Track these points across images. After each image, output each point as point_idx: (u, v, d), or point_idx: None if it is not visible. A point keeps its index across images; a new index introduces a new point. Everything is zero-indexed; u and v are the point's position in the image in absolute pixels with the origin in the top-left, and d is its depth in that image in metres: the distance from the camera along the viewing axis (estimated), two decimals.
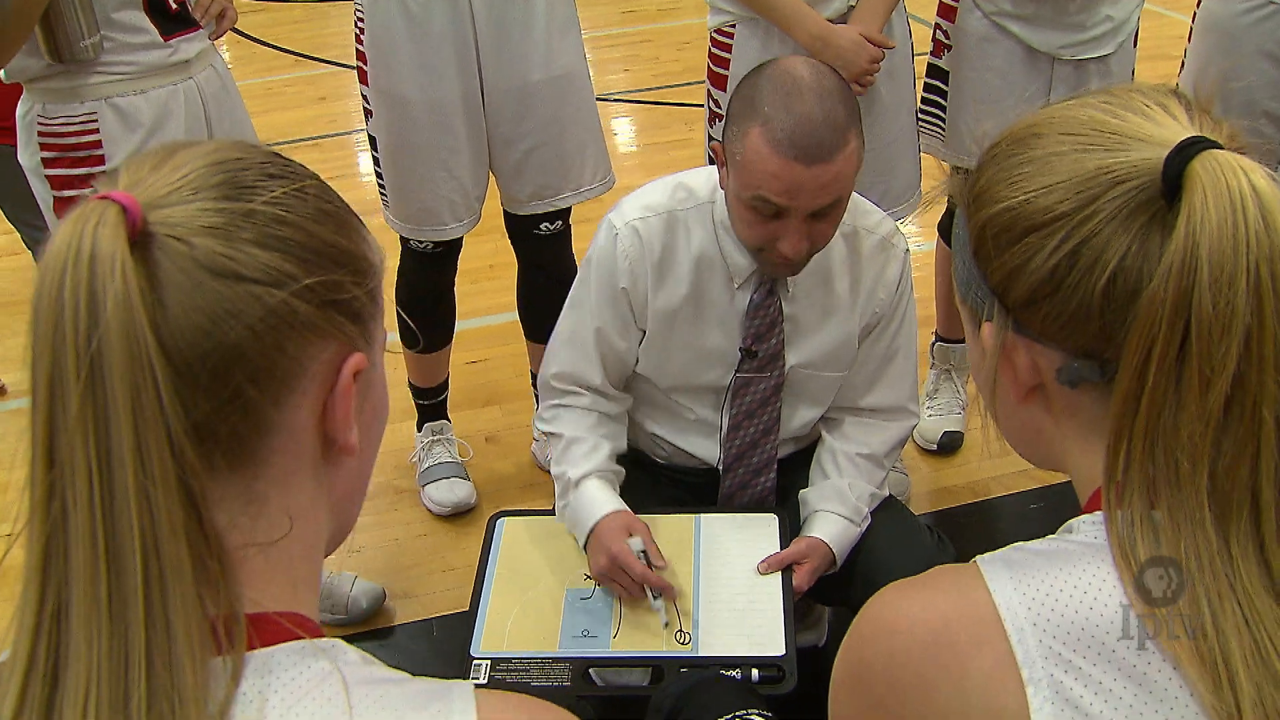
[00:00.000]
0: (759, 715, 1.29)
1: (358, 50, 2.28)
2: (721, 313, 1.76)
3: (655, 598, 1.64)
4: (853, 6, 2.18)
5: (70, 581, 0.61)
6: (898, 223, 2.44)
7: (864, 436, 1.87)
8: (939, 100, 2.47)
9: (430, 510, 2.62)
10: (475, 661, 1.62)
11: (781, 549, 1.77)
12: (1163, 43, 3.87)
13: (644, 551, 1.67)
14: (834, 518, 1.79)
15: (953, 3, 2.40)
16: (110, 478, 0.60)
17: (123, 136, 1.94)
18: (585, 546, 1.72)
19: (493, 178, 2.40)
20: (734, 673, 1.58)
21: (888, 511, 1.87)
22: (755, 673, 1.58)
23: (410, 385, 2.67)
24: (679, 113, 4.94)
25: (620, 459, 1.86)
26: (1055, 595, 0.72)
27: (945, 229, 2.68)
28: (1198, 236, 0.67)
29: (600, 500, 1.73)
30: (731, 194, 1.61)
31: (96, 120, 1.94)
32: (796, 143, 1.49)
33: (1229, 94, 2.14)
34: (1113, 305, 0.71)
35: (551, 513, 1.86)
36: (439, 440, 2.67)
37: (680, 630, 1.64)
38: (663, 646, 1.62)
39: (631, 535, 1.68)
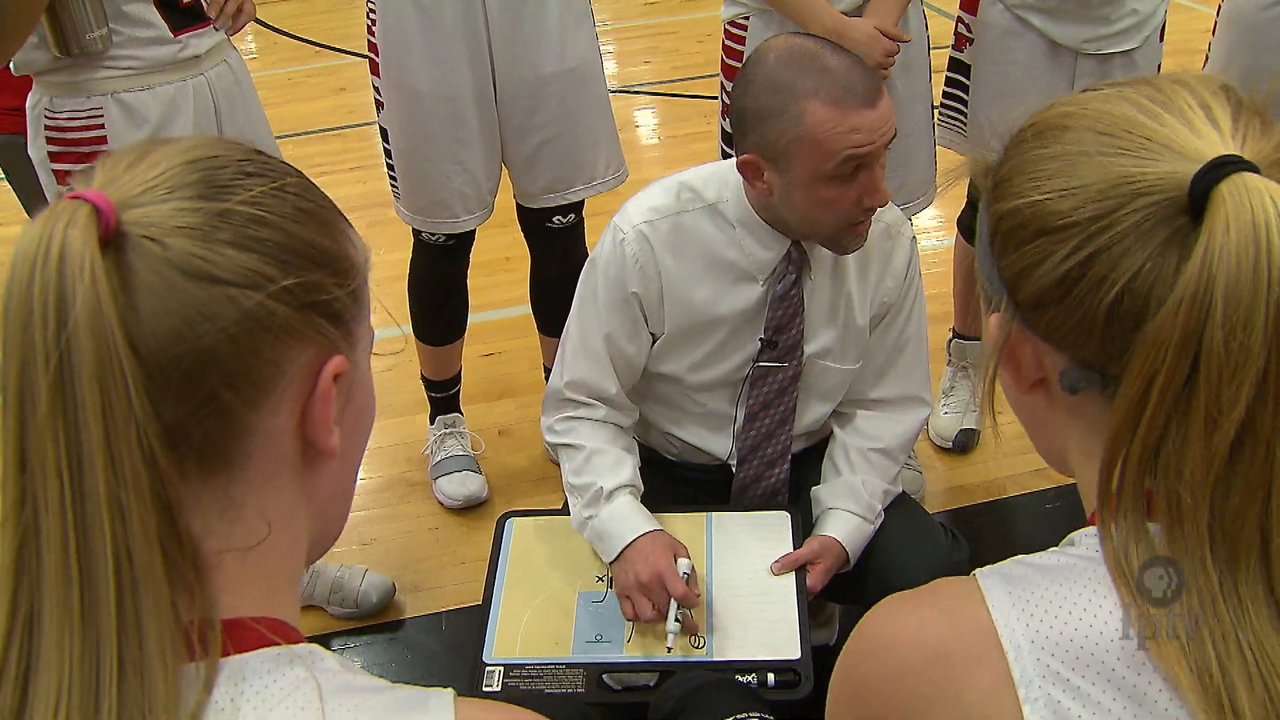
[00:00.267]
0: (760, 718, 1.28)
1: (369, 42, 2.27)
2: (739, 308, 1.74)
3: (676, 620, 1.60)
4: None
5: (42, 587, 0.60)
6: (913, 217, 2.43)
7: (876, 430, 1.85)
8: (960, 94, 2.43)
9: (442, 503, 2.62)
10: (488, 668, 1.60)
11: (794, 547, 1.75)
12: (1190, 36, 3.81)
13: (688, 575, 1.64)
14: (847, 515, 1.77)
15: None
16: (81, 482, 0.59)
17: (128, 132, 1.93)
18: (614, 560, 1.68)
19: (506, 170, 2.39)
20: (749, 677, 1.56)
21: (901, 509, 1.85)
22: (771, 677, 1.56)
23: (423, 378, 2.67)
24: (700, 105, 4.91)
25: None
26: (1054, 613, 0.70)
27: (965, 224, 2.65)
28: (1214, 270, 0.63)
29: (640, 517, 1.70)
30: (801, 185, 1.57)
31: (102, 115, 1.92)
32: (855, 91, 1.51)
33: (1253, 89, 2.10)
34: (1116, 324, 0.68)
35: (560, 512, 1.84)
36: (451, 433, 2.67)
37: (693, 634, 1.62)
38: (667, 650, 1.60)
39: (679, 557, 1.66)
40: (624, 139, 4.67)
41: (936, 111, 2.48)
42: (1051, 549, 0.76)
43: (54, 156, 1.94)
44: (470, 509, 2.59)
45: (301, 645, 0.68)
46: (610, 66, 5.62)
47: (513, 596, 1.71)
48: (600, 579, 1.73)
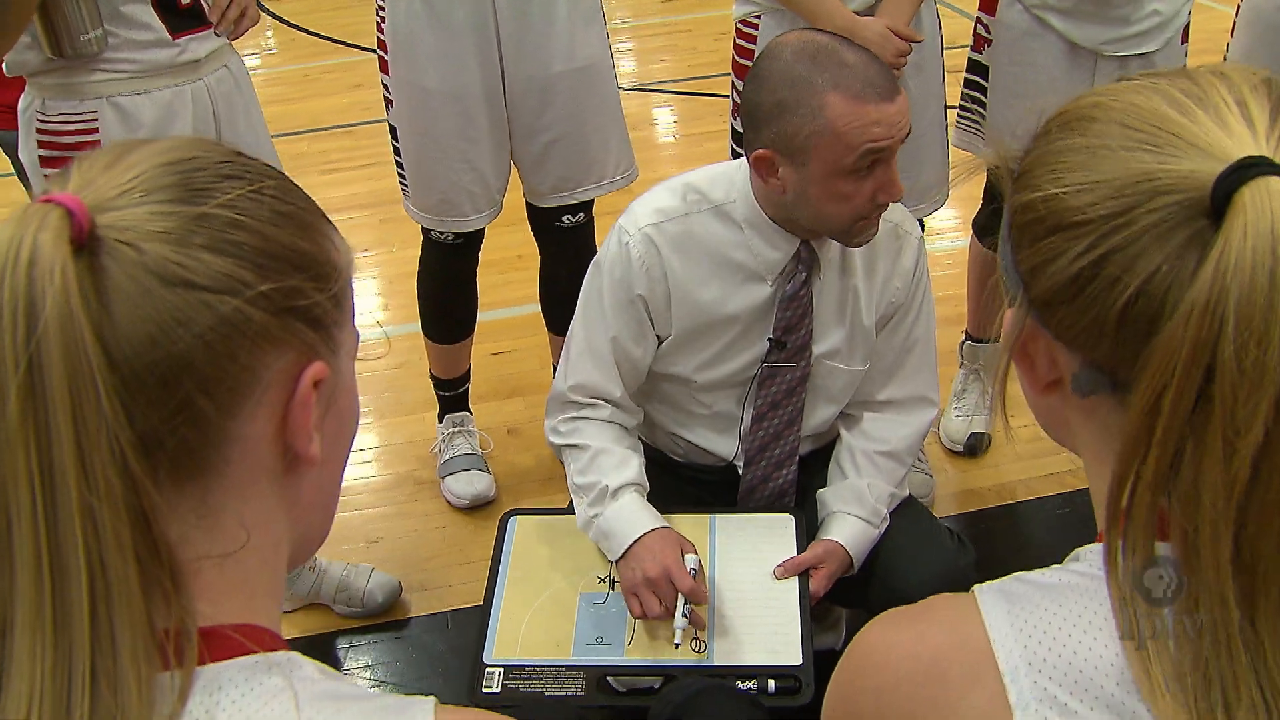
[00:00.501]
0: None
1: (379, 39, 2.27)
2: (748, 308, 1.73)
3: (684, 615, 1.59)
4: None
5: (14, 597, 0.60)
6: (925, 218, 2.41)
7: (883, 432, 1.84)
8: (979, 96, 2.41)
9: (449, 502, 2.62)
10: (488, 669, 1.59)
11: (799, 550, 1.74)
12: (1214, 36, 3.77)
13: (695, 571, 1.63)
14: (852, 519, 1.76)
15: None
16: (53, 491, 0.59)
17: (123, 137, 1.88)
18: (620, 558, 1.68)
19: (515, 169, 2.38)
20: (750, 683, 1.55)
21: (907, 513, 1.84)
22: (772, 683, 1.55)
23: (431, 376, 2.66)
24: (715, 104, 4.90)
25: None
26: (1053, 634, 0.68)
27: (980, 225, 2.62)
28: (1227, 280, 0.59)
29: (646, 514, 1.70)
30: (818, 180, 1.56)
31: (96, 119, 1.87)
32: (874, 84, 1.52)
33: None
34: (1128, 327, 0.65)
35: (563, 511, 1.84)
36: (460, 432, 2.66)
37: (695, 638, 1.61)
38: (677, 655, 1.59)
39: (686, 553, 1.65)
40: (640, 137, 4.70)
41: (954, 113, 2.46)
42: (1054, 565, 0.74)
43: (45, 161, 1.89)
44: (478, 508, 2.59)
45: (280, 653, 0.67)
46: (629, 64, 5.61)
47: (514, 596, 1.70)
48: (602, 579, 1.72)
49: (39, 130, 1.88)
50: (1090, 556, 0.72)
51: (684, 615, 1.59)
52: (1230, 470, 0.61)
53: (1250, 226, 0.59)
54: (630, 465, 1.75)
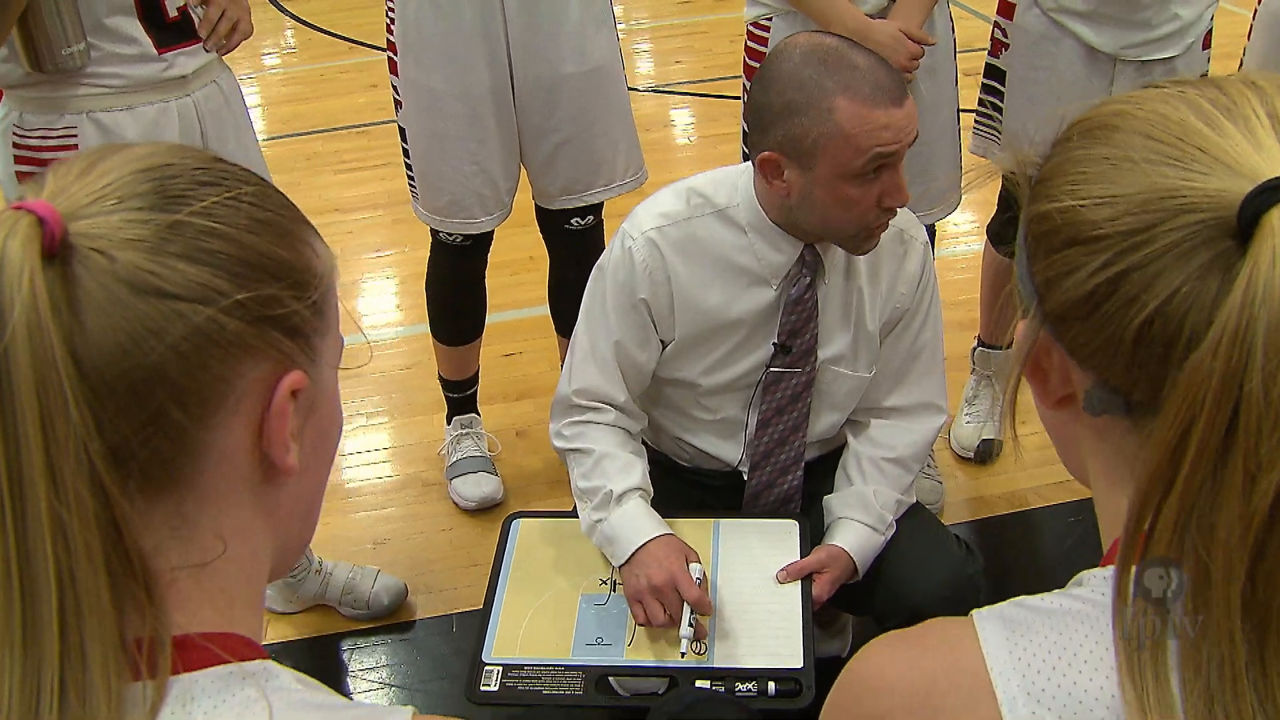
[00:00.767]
0: None
1: (388, 41, 2.26)
2: (752, 313, 1.72)
3: (690, 625, 1.58)
4: (893, 1, 2.12)
5: None
6: (937, 222, 2.40)
7: (890, 439, 1.83)
8: (996, 102, 2.38)
9: (457, 504, 2.61)
10: (487, 667, 1.59)
11: (802, 556, 1.73)
12: (1235, 40, 3.74)
13: (700, 580, 1.62)
14: (857, 525, 1.75)
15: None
16: (22, 502, 0.58)
17: None
18: (624, 564, 1.67)
19: (525, 171, 2.38)
20: (750, 685, 1.54)
21: (914, 520, 1.83)
22: (772, 686, 1.54)
23: (440, 378, 2.66)
24: (731, 105, 4.88)
25: None
26: (1052, 663, 0.66)
27: (994, 231, 2.60)
28: (1255, 308, 0.56)
29: (651, 521, 1.69)
30: (824, 183, 1.55)
31: (76, 135, 1.79)
32: (885, 88, 1.51)
33: None
34: (1144, 348, 0.62)
35: (567, 514, 1.83)
36: (468, 434, 2.66)
37: (697, 640, 1.61)
38: (678, 656, 1.58)
39: (690, 562, 1.64)
40: (656, 138, 4.69)
41: (972, 118, 2.44)
42: (1056, 590, 0.72)
43: (21, 176, 1.81)
44: (485, 510, 2.58)
45: (255, 663, 0.66)
46: (646, 65, 5.60)
47: (515, 597, 1.70)
48: (604, 582, 1.72)
49: (15, 145, 1.81)
50: (1094, 582, 0.70)
51: (689, 625, 1.58)
52: (1249, 505, 0.58)
53: (1279, 251, 0.56)
54: (634, 470, 1.74)
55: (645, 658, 1.60)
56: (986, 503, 2.56)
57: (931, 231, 2.40)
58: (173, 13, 1.82)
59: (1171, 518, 0.61)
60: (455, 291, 2.51)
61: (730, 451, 1.85)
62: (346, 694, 2.19)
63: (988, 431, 2.65)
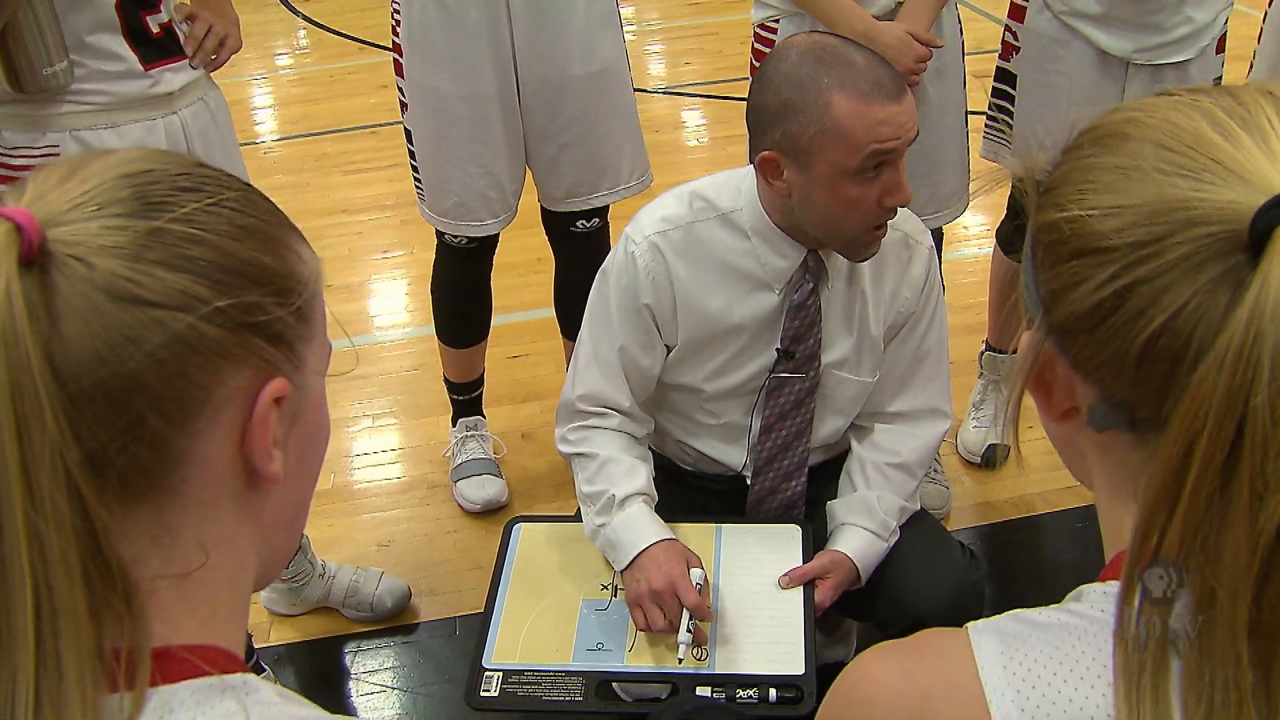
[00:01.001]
0: None
1: (394, 42, 2.26)
2: (755, 317, 1.71)
3: (689, 630, 1.58)
4: (900, 3, 2.11)
5: None
6: (945, 225, 2.38)
7: (894, 444, 1.81)
8: (1006, 106, 2.36)
9: (461, 507, 2.60)
10: (487, 673, 1.58)
11: (805, 561, 1.72)
12: (1249, 43, 3.70)
13: (700, 586, 1.62)
14: (860, 532, 1.74)
15: (1022, 2, 2.29)
16: None
17: None
18: (625, 568, 1.66)
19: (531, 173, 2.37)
20: (751, 692, 1.53)
21: (918, 526, 1.81)
22: (773, 692, 1.53)
23: (445, 380, 2.65)
24: (742, 107, 4.88)
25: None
26: (1048, 679, 0.65)
27: (1003, 235, 2.58)
28: (1263, 323, 0.55)
29: (654, 525, 1.68)
30: (823, 182, 1.54)
31: (58, 154, 1.72)
32: (881, 85, 1.50)
33: None
34: (1150, 364, 0.61)
35: (568, 518, 1.83)
36: (473, 436, 2.65)
37: (697, 645, 1.60)
38: (678, 662, 1.58)
39: (692, 567, 1.63)
40: (667, 140, 4.68)
41: (977, 120, 2.42)
42: (1054, 605, 0.71)
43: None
44: (490, 513, 2.57)
45: (236, 676, 0.65)
46: (657, 67, 5.59)
47: (516, 602, 1.69)
48: (605, 587, 1.71)
49: None
50: (1093, 597, 0.69)
51: (688, 630, 1.57)
52: (1255, 526, 0.57)
53: None
54: (638, 474, 1.73)
55: (646, 663, 1.59)
56: (993, 508, 2.54)
57: (940, 234, 2.39)
58: (156, 29, 1.77)
59: (1176, 537, 0.59)
60: (460, 294, 2.50)
61: (734, 456, 1.84)
62: (348, 697, 2.19)
63: (994, 436, 2.64)
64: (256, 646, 2.24)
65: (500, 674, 1.58)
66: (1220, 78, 2.29)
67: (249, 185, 0.68)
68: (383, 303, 3.60)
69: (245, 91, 5.46)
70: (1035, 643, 0.67)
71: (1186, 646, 0.60)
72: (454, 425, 2.69)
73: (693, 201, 1.69)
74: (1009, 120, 2.36)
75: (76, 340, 0.58)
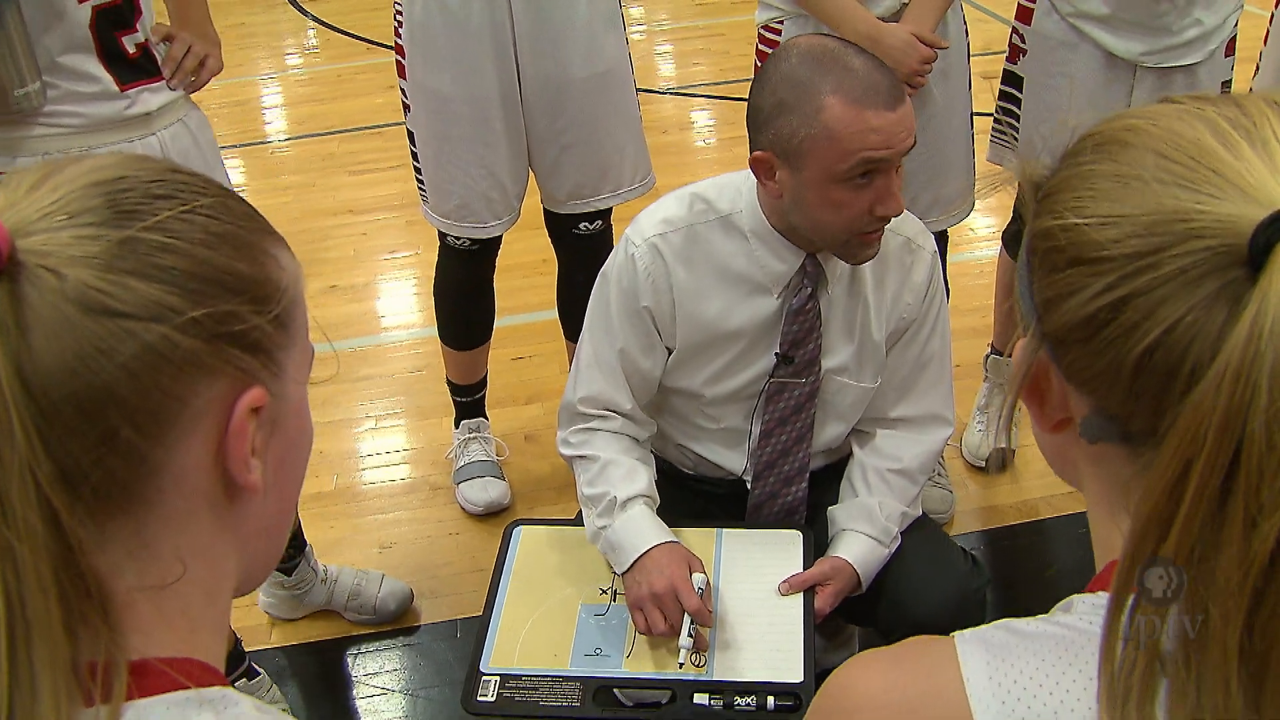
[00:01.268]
0: None
1: (396, 43, 2.25)
2: (754, 321, 1.70)
3: (690, 635, 1.56)
4: (905, 4, 2.10)
5: None
6: (949, 228, 2.37)
7: (896, 450, 1.80)
8: (1013, 109, 2.35)
9: (464, 509, 2.60)
10: (484, 678, 1.58)
11: (806, 567, 1.71)
12: (1258, 45, 3.67)
13: (702, 590, 1.61)
14: (861, 538, 1.73)
15: (1029, 4, 2.28)
16: None
17: None
18: (627, 570, 1.65)
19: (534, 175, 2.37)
20: (749, 699, 1.52)
21: (920, 532, 1.80)
22: (771, 700, 1.52)
23: (448, 381, 2.65)
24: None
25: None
26: (1033, 691, 0.65)
27: (1009, 237, 2.57)
28: (1261, 344, 0.54)
29: (655, 528, 1.67)
30: (813, 185, 1.53)
31: None
32: (877, 91, 1.48)
33: None
34: (1144, 378, 0.60)
35: (568, 522, 1.82)
36: (475, 438, 2.65)
37: (695, 651, 1.59)
38: (677, 668, 1.57)
39: (693, 571, 1.62)
40: (675, 140, 4.67)
41: (984, 122, 2.41)
42: (1042, 615, 0.70)
43: None
44: (492, 515, 2.57)
45: (214, 689, 0.65)
46: (666, 67, 5.58)
47: (514, 606, 1.68)
48: (604, 591, 1.70)
49: None
50: (1082, 608, 0.68)
51: (689, 635, 1.56)
52: (1250, 550, 0.55)
53: None
54: (640, 477, 1.72)
55: (644, 669, 1.58)
56: (997, 512, 2.53)
57: (945, 237, 2.37)
58: (132, 50, 1.72)
59: (1169, 558, 0.58)
60: (463, 296, 2.50)
61: (734, 461, 1.83)
62: (349, 700, 2.18)
63: (1000, 440, 2.62)
64: (256, 648, 2.24)
65: (498, 679, 1.57)
66: (1230, 81, 2.28)
67: (226, 190, 0.67)
68: (388, 303, 3.60)
69: (254, 91, 5.47)
70: (1022, 653, 0.66)
71: (1175, 670, 0.59)
72: (456, 427, 2.69)
73: (693, 204, 1.68)
74: (1016, 123, 2.35)
75: (47, 352, 0.57)
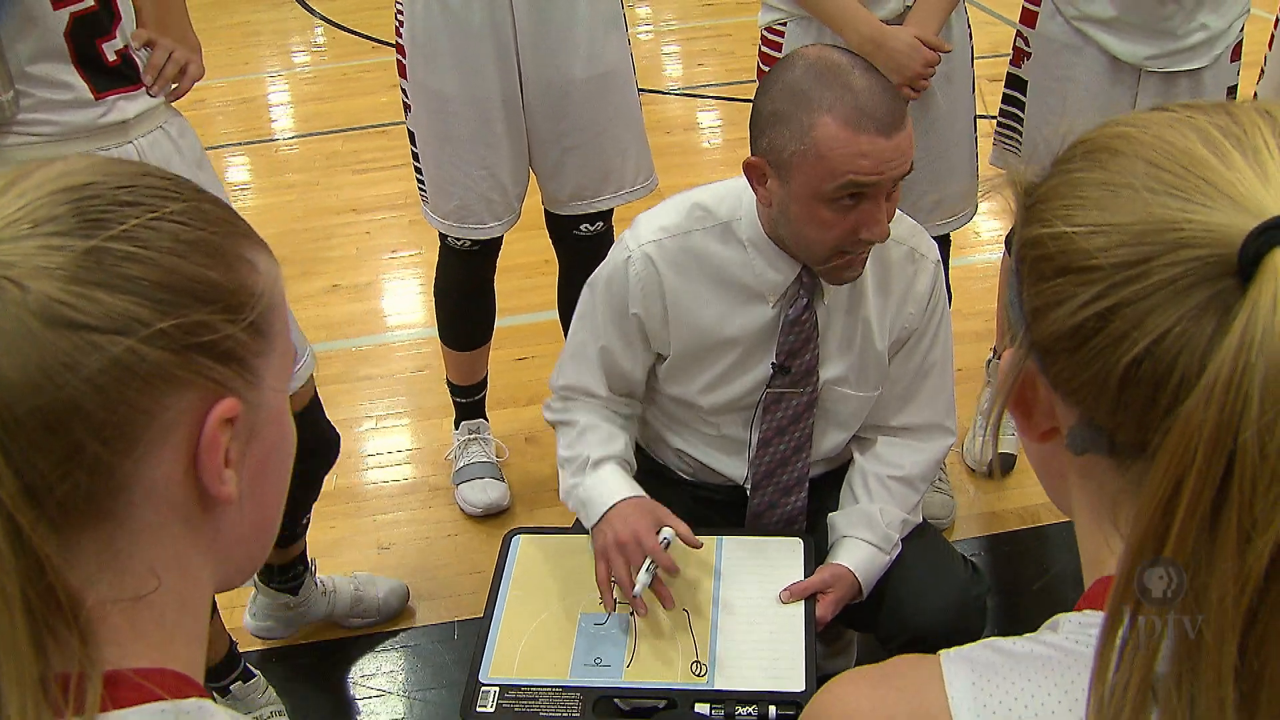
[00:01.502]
0: None
1: (397, 44, 2.24)
2: (749, 330, 1.69)
3: (648, 572, 1.58)
4: (909, 7, 2.09)
5: None
6: (954, 231, 2.36)
7: (897, 457, 1.79)
8: (1017, 113, 2.33)
9: (463, 510, 2.59)
10: (483, 688, 1.57)
11: (807, 574, 1.70)
12: (1262, 48, 3.65)
13: (668, 542, 1.62)
14: (862, 545, 1.72)
15: (1034, 7, 2.27)
16: None
17: None
18: (595, 524, 1.67)
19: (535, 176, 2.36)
20: (750, 709, 1.51)
21: (920, 539, 1.79)
22: (772, 709, 1.51)
23: (448, 382, 2.64)
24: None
25: (645, 475, 1.80)
26: (1018, 713, 0.64)
27: (1012, 241, 2.55)
28: (1251, 355, 0.53)
29: (624, 484, 1.70)
30: (799, 200, 1.52)
31: None
32: (874, 116, 1.45)
33: None
34: (1131, 388, 0.59)
35: (568, 531, 1.81)
36: (475, 439, 2.64)
37: (696, 660, 1.58)
38: (677, 677, 1.56)
39: (662, 526, 1.63)
40: (681, 141, 4.66)
41: (992, 126, 2.39)
42: (1029, 634, 0.69)
43: None
44: (490, 517, 2.57)
45: (191, 701, 0.64)
46: (673, 68, 5.57)
47: (513, 615, 1.67)
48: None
49: None
50: (1069, 627, 0.67)
51: (647, 571, 1.58)
52: (1244, 567, 0.54)
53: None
54: (616, 441, 1.75)
55: (645, 679, 1.57)
56: (999, 518, 2.52)
57: (948, 240, 2.36)
58: (112, 57, 1.68)
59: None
60: (463, 297, 2.49)
61: (734, 468, 1.83)
62: (345, 701, 2.18)
63: (1003, 445, 2.61)
64: (253, 649, 2.23)
65: (497, 689, 1.56)
66: (1235, 86, 2.26)
67: (201, 193, 0.66)
68: (389, 303, 3.59)
69: (260, 89, 5.47)
70: (1007, 673, 0.66)
71: (1167, 692, 0.58)
72: (456, 428, 2.68)
73: (692, 210, 1.68)
74: (1019, 127, 2.33)
75: (9, 367, 0.56)
